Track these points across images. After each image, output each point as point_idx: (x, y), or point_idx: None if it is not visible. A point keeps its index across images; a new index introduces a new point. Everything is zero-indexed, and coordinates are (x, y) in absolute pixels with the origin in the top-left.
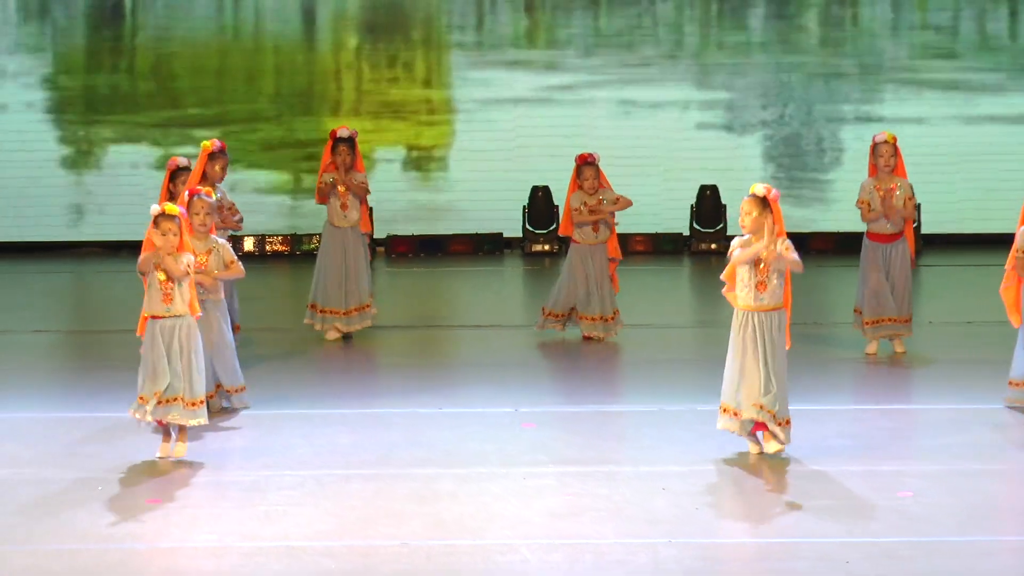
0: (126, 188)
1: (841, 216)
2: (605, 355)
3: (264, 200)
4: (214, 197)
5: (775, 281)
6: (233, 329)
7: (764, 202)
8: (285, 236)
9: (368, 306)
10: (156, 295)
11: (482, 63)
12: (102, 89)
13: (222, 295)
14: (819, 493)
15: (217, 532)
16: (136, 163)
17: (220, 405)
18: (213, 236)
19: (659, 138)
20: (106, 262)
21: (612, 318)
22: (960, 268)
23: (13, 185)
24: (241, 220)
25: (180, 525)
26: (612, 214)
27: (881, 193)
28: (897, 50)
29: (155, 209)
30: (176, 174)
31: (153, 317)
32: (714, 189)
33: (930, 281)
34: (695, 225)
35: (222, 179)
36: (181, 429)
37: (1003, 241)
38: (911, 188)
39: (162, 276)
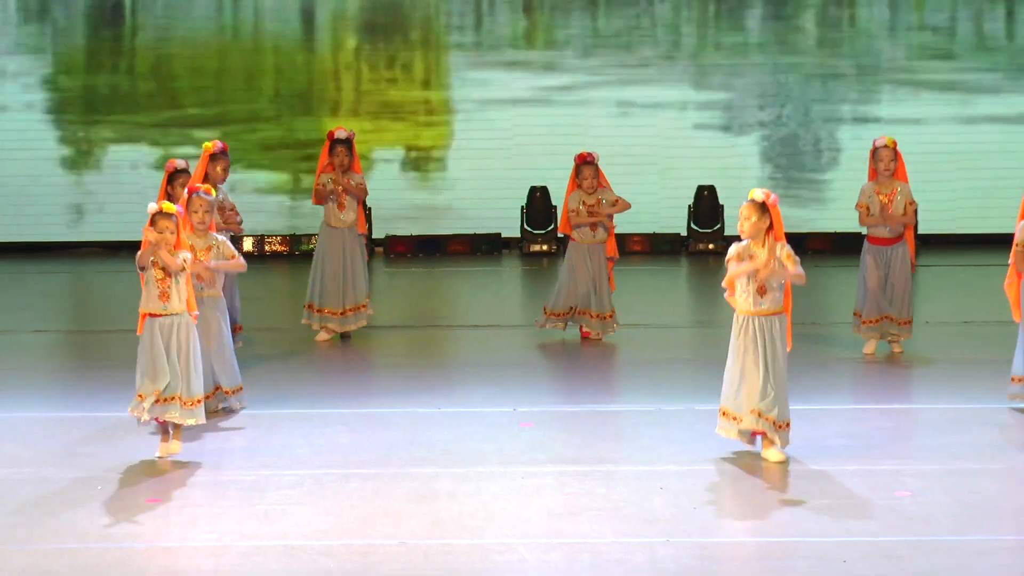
0: (126, 188)
1: (838, 216)
2: (603, 355)
3: (263, 200)
4: (214, 195)
5: (775, 286)
6: (235, 329)
7: (763, 207)
8: (284, 236)
9: (364, 306)
10: (153, 292)
11: (481, 64)
12: (102, 89)
13: (221, 291)
14: (817, 492)
15: (216, 531)
16: (136, 163)
17: (217, 406)
18: (213, 233)
19: (657, 138)
20: (106, 262)
21: (609, 317)
22: (957, 268)
23: (13, 185)
24: (241, 222)
25: (179, 524)
26: (610, 216)
27: (881, 198)
28: (894, 51)
29: (152, 207)
30: (174, 176)
31: (151, 315)
32: (712, 189)
33: (927, 281)
34: (693, 225)
35: (224, 180)
36: (176, 427)
37: (1000, 241)
38: (911, 193)
39: (159, 274)
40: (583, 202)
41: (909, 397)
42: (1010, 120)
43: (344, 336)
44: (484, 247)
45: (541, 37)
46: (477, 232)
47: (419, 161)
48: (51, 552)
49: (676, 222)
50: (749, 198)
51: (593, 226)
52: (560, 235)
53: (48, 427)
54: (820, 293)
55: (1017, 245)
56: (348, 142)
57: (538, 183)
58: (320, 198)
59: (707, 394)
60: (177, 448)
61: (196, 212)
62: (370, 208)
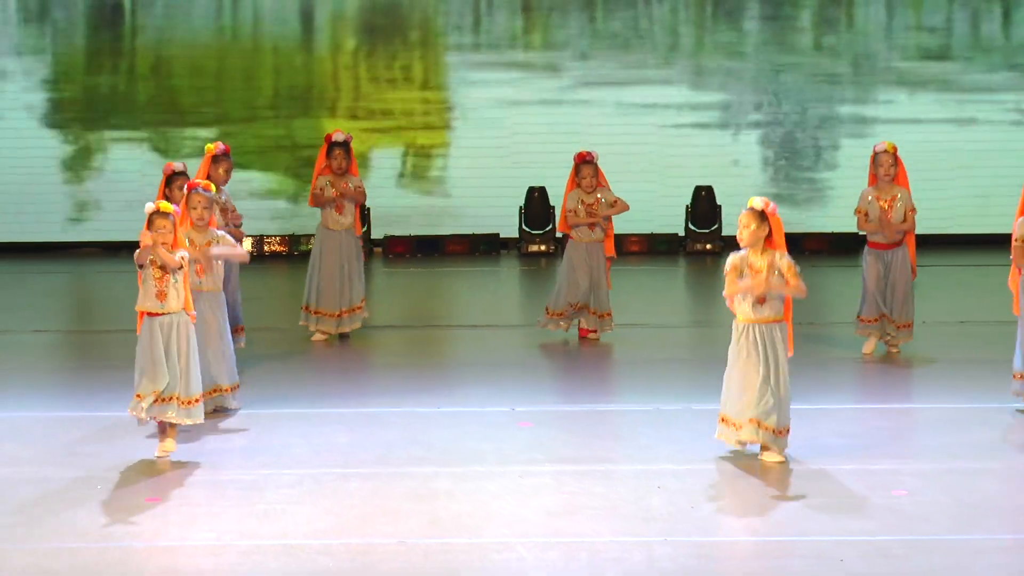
0: (125, 189)
1: (836, 217)
2: (601, 355)
3: (262, 201)
4: (213, 190)
5: (775, 296)
6: (237, 330)
7: (762, 215)
8: (283, 237)
9: (359, 308)
10: (151, 291)
11: (479, 64)
12: (102, 90)
13: (221, 286)
14: (814, 491)
15: (216, 530)
16: (135, 164)
17: (215, 405)
18: (213, 228)
19: (654, 139)
20: (105, 262)
21: (607, 315)
22: (954, 268)
23: (13, 185)
24: (240, 224)
25: (179, 524)
26: (608, 217)
27: (881, 203)
28: (891, 51)
29: (150, 207)
30: (172, 178)
31: (149, 314)
32: (709, 190)
33: (925, 281)
34: (690, 226)
35: (226, 182)
36: (171, 425)
37: (998, 241)
38: (911, 199)
39: (157, 273)
40: (582, 201)
41: (907, 397)
42: (1007, 120)
43: (342, 336)
44: (482, 247)
45: (539, 38)
46: (475, 232)
47: (418, 161)
48: (51, 551)
49: (674, 222)
50: (748, 206)
51: (591, 225)
52: (559, 234)
53: (48, 427)
54: (818, 293)
55: (1016, 241)
56: (346, 145)
57: (536, 183)
58: (318, 202)
59: (705, 394)
60: (172, 447)
61: (195, 208)
62: (369, 208)
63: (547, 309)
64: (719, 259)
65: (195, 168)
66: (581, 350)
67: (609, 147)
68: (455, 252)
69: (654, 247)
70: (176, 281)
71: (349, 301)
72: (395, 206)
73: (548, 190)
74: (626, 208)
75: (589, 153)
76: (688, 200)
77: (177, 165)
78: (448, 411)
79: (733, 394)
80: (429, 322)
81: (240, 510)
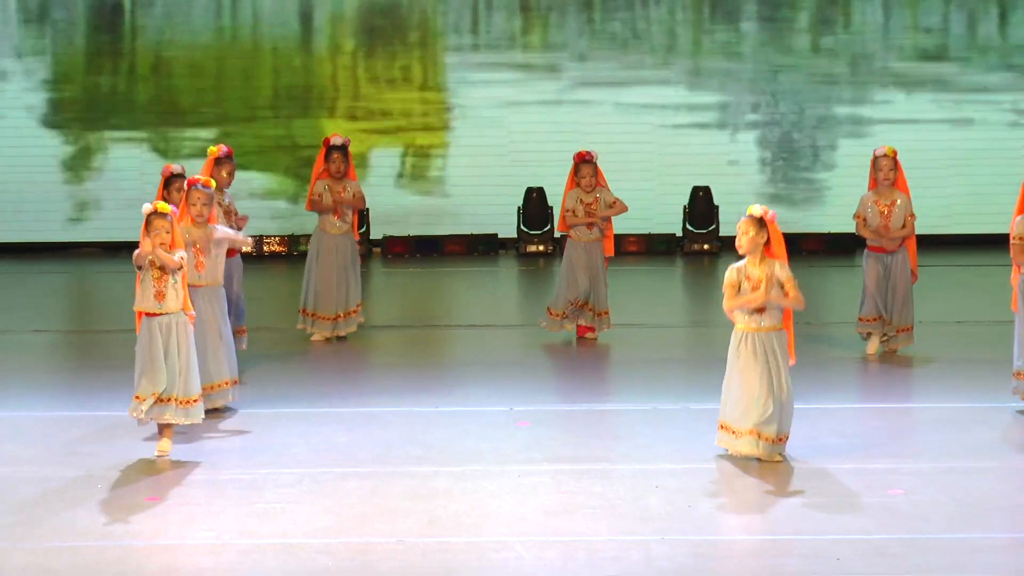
0: (125, 189)
1: (833, 217)
2: (599, 355)
3: (262, 201)
4: (213, 186)
5: (774, 305)
6: (239, 331)
7: (761, 222)
8: (282, 237)
9: (355, 312)
10: (149, 291)
11: (477, 65)
12: (102, 91)
13: (220, 280)
14: (812, 490)
15: (215, 529)
16: (135, 164)
17: (211, 404)
18: (212, 224)
19: (652, 139)
20: (105, 262)
21: (604, 314)
22: (951, 268)
23: (13, 185)
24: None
25: (179, 523)
26: (608, 218)
27: (880, 207)
28: (888, 52)
29: (147, 208)
30: (171, 181)
31: (147, 314)
32: (707, 190)
33: (922, 281)
34: (688, 226)
35: (229, 184)
36: (168, 425)
37: (995, 241)
38: (911, 204)
39: (156, 273)
40: (580, 200)
41: (905, 397)
42: (1004, 120)
43: (339, 337)
44: (481, 247)
45: (538, 38)
46: (474, 233)
47: (416, 162)
48: (51, 550)
49: (671, 222)
50: (747, 213)
51: (590, 225)
52: (558, 234)
53: (48, 426)
54: (815, 293)
55: (1015, 239)
56: (344, 148)
57: (534, 184)
58: (316, 207)
59: (702, 393)
60: (167, 447)
61: (195, 205)
62: (368, 208)
63: (549, 310)
64: (717, 259)
65: (196, 170)
66: (579, 350)
67: (607, 147)
68: (454, 252)
69: (652, 247)
70: (175, 282)
71: (345, 305)
72: (394, 206)
73: (546, 190)
74: (624, 209)
75: (588, 153)
76: (686, 200)
77: (176, 167)
78: (446, 411)
79: (733, 402)
80: (428, 322)
81: (239, 509)
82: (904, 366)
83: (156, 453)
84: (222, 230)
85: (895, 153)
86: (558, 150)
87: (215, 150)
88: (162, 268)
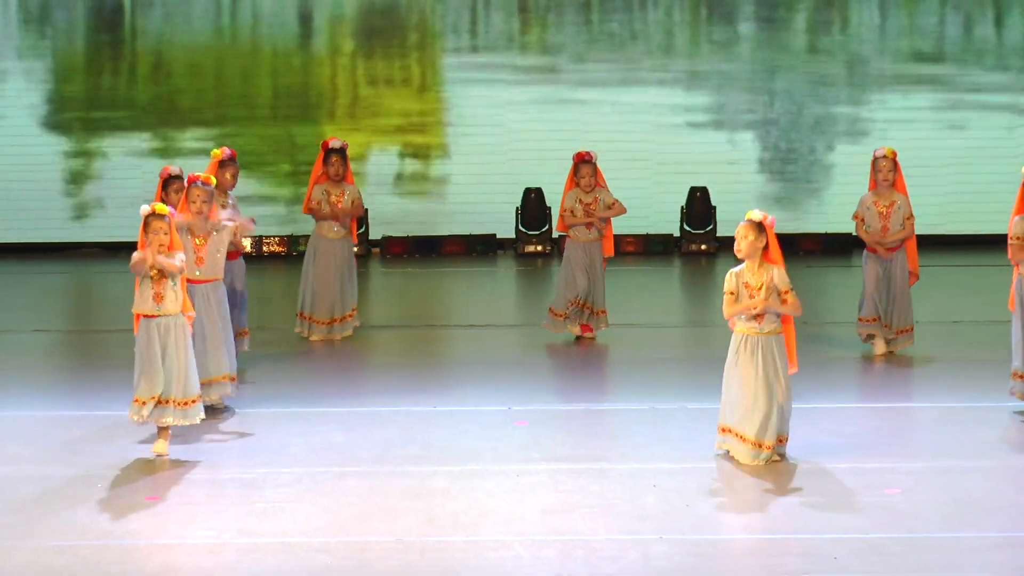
0: (125, 190)
1: (830, 217)
2: (597, 354)
3: (261, 202)
4: (213, 183)
5: (772, 311)
6: (241, 333)
7: (760, 227)
8: (282, 237)
9: (350, 316)
10: (147, 294)
11: (475, 66)
12: (102, 92)
13: (220, 275)
14: (809, 490)
15: (215, 528)
16: (135, 165)
17: (210, 400)
18: (212, 221)
19: (649, 140)
20: (106, 263)
21: (601, 313)
22: (946, 269)
23: (14, 184)
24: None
25: (178, 522)
26: (607, 219)
27: (879, 208)
28: (885, 53)
29: (145, 209)
30: (169, 182)
31: (145, 316)
32: (704, 191)
33: (919, 282)
34: (685, 226)
35: (233, 186)
36: (165, 427)
37: (990, 242)
38: (910, 205)
39: (155, 275)
40: (580, 200)
41: (901, 396)
42: (1000, 122)
43: (336, 339)
44: (479, 248)
45: (536, 39)
46: (472, 233)
47: (415, 162)
48: (51, 549)
49: (669, 223)
50: (746, 218)
51: (588, 225)
52: (556, 234)
53: (48, 425)
54: (813, 294)
55: (1013, 239)
56: (342, 151)
57: (532, 184)
58: (314, 213)
59: (700, 393)
60: (162, 448)
61: (195, 202)
62: (367, 209)
63: (551, 310)
64: (714, 260)
65: (196, 171)
66: (577, 350)
67: (605, 148)
68: (452, 253)
69: (649, 247)
70: (174, 284)
71: (341, 309)
72: (393, 207)
73: (544, 191)
74: (623, 211)
75: (588, 153)
76: (683, 201)
77: (174, 169)
78: (445, 410)
79: (732, 405)
80: (426, 322)
81: (239, 508)
82: (901, 366)
83: (153, 454)
84: (229, 212)
85: (895, 154)
86: (556, 151)
87: (219, 153)
88: (161, 271)
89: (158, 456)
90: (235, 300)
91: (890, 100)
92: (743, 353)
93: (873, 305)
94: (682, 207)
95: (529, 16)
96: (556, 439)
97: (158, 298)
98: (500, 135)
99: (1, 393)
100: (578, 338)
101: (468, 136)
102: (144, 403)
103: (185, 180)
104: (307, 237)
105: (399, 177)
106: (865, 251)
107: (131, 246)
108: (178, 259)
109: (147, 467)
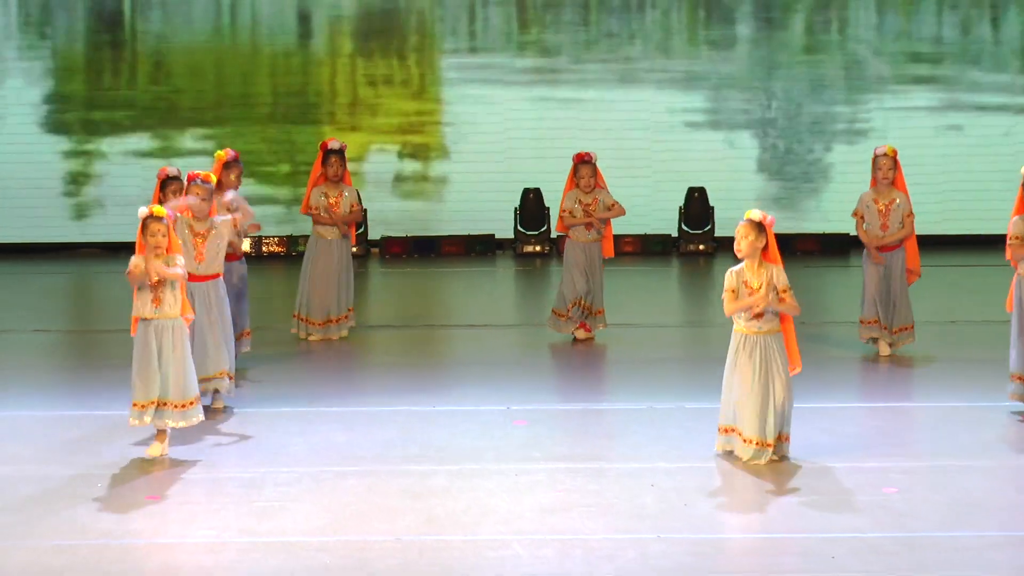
0: (125, 190)
1: (827, 217)
2: (595, 354)
3: (260, 202)
4: (213, 181)
5: (772, 310)
6: (243, 334)
7: (760, 227)
8: (281, 238)
9: (346, 317)
10: (146, 298)
11: (474, 67)
12: (102, 93)
13: (220, 271)
14: (807, 489)
15: (215, 528)
16: (135, 166)
17: (210, 397)
18: (212, 218)
19: (648, 140)
20: (106, 263)
21: (599, 312)
22: (943, 269)
23: (14, 184)
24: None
25: (178, 521)
26: (606, 220)
27: (879, 206)
28: (882, 54)
29: (143, 211)
30: (167, 183)
31: (143, 319)
32: (702, 191)
33: (917, 282)
34: (683, 227)
35: (237, 187)
36: (163, 429)
37: (986, 242)
38: (909, 203)
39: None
40: (579, 201)
41: (897, 395)
42: (996, 122)
43: (332, 340)
44: (478, 248)
45: (534, 40)
46: (471, 233)
47: (414, 163)
48: (51, 548)
49: (667, 223)
50: (746, 218)
51: (588, 225)
52: (555, 235)
53: (48, 425)
54: (811, 294)
55: (1011, 238)
56: (341, 152)
57: (531, 185)
58: (313, 219)
59: (698, 393)
60: (157, 451)
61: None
62: (365, 210)
63: (554, 311)
64: (712, 260)
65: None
66: (575, 350)
67: (603, 148)
68: (451, 253)
69: (647, 248)
70: (174, 288)
71: (337, 310)
72: (392, 207)
73: (543, 191)
74: (622, 213)
75: (588, 154)
76: (681, 201)
77: (171, 170)
78: (444, 410)
79: (732, 405)
80: (425, 322)
81: (239, 508)
82: (899, 365)
83: (147, 455)
84: (219, 243)
85: (895, 152)
86: (554, 151)
87: (223, 154)
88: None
89: (152, 459)
90: (237, 301)
91: (888, 100)
92: (742, 353)
93: (873, 307)
94: (680, 207)
95: (527, 17)
96: (555, 439)
97: (157, 302)
98: (499, 135)
99: (1, 393)
100: (575, 338)
101: (467, 136)
102: (144, 407)
103: (184, 180)
104: (306, 237)
105: (398, 177)
106: (865, 251)
107: (131, 246)
108: (179, 266)
109: (147, 467)
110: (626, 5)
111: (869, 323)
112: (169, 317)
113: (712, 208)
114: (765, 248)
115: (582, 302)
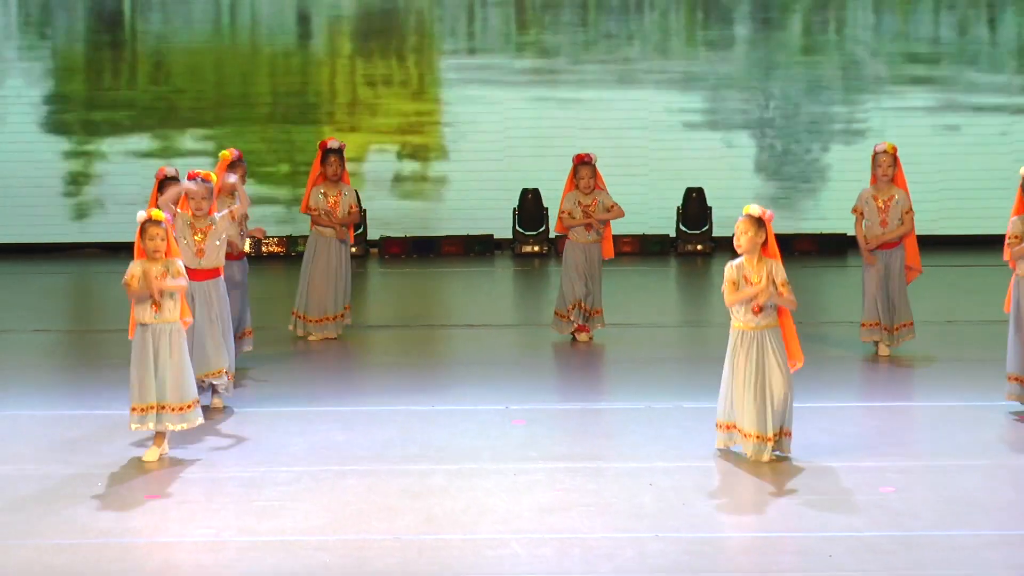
0: (125, 190)
1: (825, 218)
2: (594, 354)
3: (260, 202)
4: (213, 180)
5: (770, 303)
6: (244, 334)
7: (759, 222)
8: (281, 238)
9: (342, 315)
10: (146, 304)
11: (473, 67)
12: (102, 93)
13: (220, 267)
14: (804, 488)
15: (215, 527)
16: (135, 166)
17: (209, 394)
18: (212, 215)
19: (646, 140)
20: (106, 263)
21: (597, 313)
22: (941, 269)
23: (14, 183)
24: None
25: (178, 520)
26: (605, 221)
27: (878, 203)
28: (879, 54)
29: (142, 215)
30: (164, 183)
31: (142, 323)
32: (700, 191)
33: (914, 281)
34: (681, 227)
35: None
36: (161, 433)
37: (984, 242)
38: (909, 200)
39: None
40: (579, 202)
41: (896, 395)
42: (993, 123)
43: (330, 338)
44: (477, 248)
45: (532, 41)
46: (470, 233)
47: (413, 163)
48: (51, 547)
49: (665, 224)
50: (745, 213)
51: (588, 226)
52: (554, 235)
53: (48, 425)
54: (808, 294)
55: (1011, 238)
56: (340, 152)
57: (530, 185)
58: (313, 219)
59: (696, 392)
60: (154, 455)
61: (194, 199)
62: (365, 210)
63: (556, 312)
64: (710, 260)
65: (184, 174)
66: (574, 350)
67: (601, 149)
68: (450, 253)
69: (646, 248)
70: (174, 294)
71: (333, 308)
72: (391, 207)
73: (542, 192)
74: (621, 214)
75: (588, 155)
76: (679, 201)
77: (170, 170)
78: (443, 409)
79: (731, 400)
80: (424, 322)
81: (238, 507)
82: (897, 366)
83: (144, 459)
84: (218, 240)
85: (895, 150)
86: (553, 151)
87: (227, 155)
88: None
89: (148, 463)
90: (238, 301)
91: (885, 101)
92: (740, 349)
93: (874, 308)
94: (678, 207)
95: (526, 18)
96: (553, 438)
97: (156, 307)
98: (498, 136)
99: (1, 393)
100: (574, 339)
101: (466, 137)
102: (144, 411)
103: (183, 180)
104: (306, 238)
105: (397, 178)
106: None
107: (131, 247)
108: (181, 274)
109: (146, 466)
110: (624, 6)
111: (870, 326)
112: (168, 322)
113: (710, 208)
114: (764, 243)
115: (581, 304)
